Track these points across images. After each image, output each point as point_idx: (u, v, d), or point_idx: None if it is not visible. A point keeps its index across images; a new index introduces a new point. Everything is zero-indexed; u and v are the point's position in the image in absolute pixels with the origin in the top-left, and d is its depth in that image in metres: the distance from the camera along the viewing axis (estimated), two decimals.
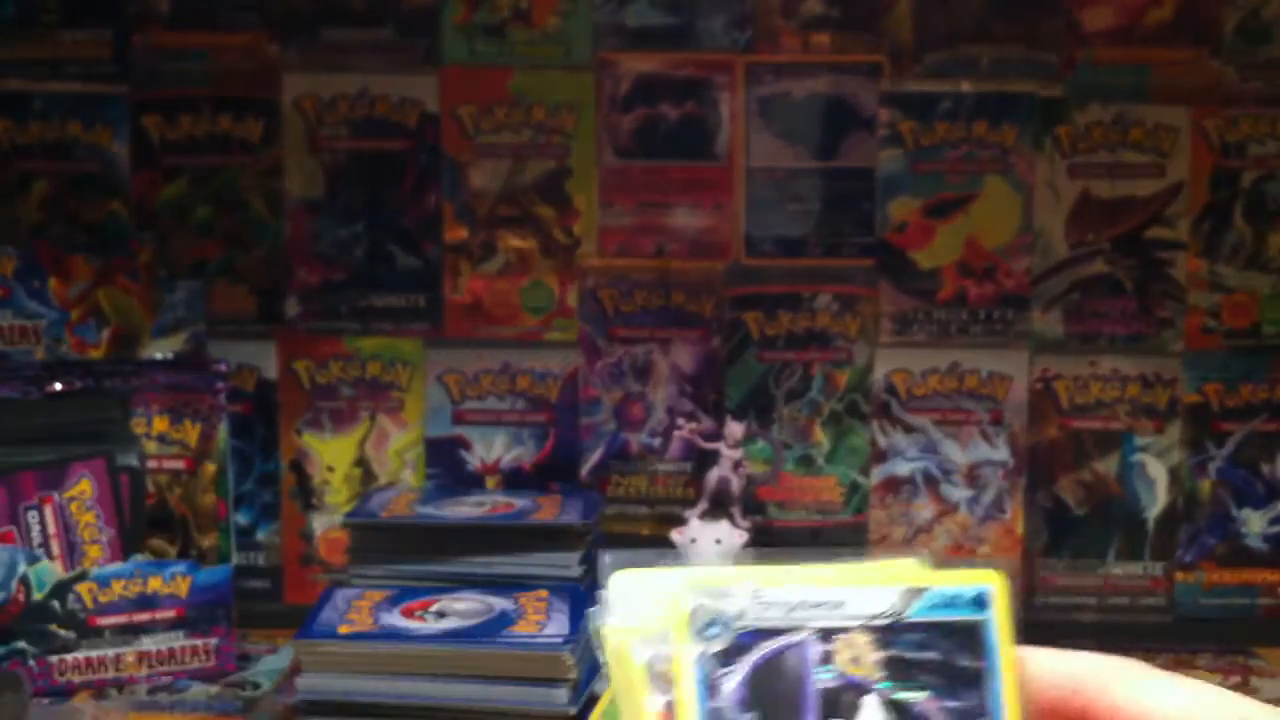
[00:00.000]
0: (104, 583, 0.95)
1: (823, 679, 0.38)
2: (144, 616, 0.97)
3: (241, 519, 1.13)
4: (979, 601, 0.40)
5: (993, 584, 0.40)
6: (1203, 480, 1.14)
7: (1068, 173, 1.12)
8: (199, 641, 0.98)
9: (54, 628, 0.95)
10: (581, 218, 1.13)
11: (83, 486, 0.96)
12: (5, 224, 1.11)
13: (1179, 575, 1.14)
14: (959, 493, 1.14)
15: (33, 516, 0.95)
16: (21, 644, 0.94)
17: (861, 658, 0.39)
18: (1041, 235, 1.13)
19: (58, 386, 0.97)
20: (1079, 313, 1.13)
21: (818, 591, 0.39)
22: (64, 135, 1.12)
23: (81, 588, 0.95)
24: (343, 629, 0.91)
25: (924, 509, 1.14)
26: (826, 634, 0.39)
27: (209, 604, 0.98)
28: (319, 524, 1.15)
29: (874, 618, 0.39)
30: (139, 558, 0.97)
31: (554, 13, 1.12)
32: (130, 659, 0.96)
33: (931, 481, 1.14)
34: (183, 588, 0.97)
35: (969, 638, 0.39)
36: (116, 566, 0.96)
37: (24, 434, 0.96)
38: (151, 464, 1.00)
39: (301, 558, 1.15)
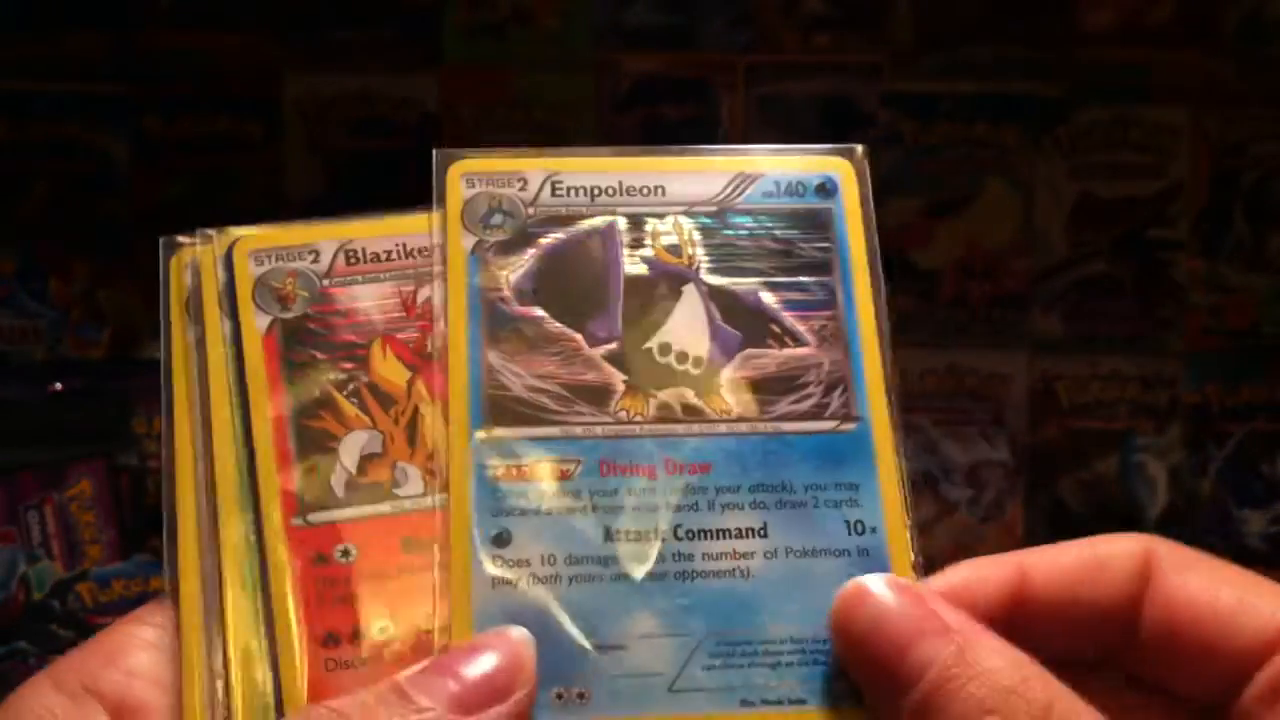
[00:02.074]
0: (104, 583, 0.95)
1: (631, 269, 0.33)
2: None
3: None
4: (824, 189, 0.35)
5: (839, 171, 0.35)
6: (1203, 480, 1.14)
7: (1068, 173, 1.12)
8: None
9: (54, 628, 0.95)
10: None
11: (83, 486, 0.96)
12: (5, 224, 1.11)
13: None
14: (959, 493, 1.14)
15: (33, 516, 0.95)
16: (21, 644, 0.94)
17: (681, 246, 0.34)
18: (1041, 235, 1.13)
19: (58, 386, 0.97)
20: (1079, 313, 1.13)
21: (630, 176, 0.34)
22: (64, 135, 1.12)
23: (81, 588, 0.95)
24: None
25: (924, 509, 1.14)
26: (638, 220, 0.34)
27: None
28: None
29: (697, 204, 0.34)
30: (139, 558, 0.97)
31: (554, 13, 1.12)
32: None
33: (931, 481, 1.14)
34: None
35: (812, 226, 0.35)
36: (116, 566, 0.96)
37: (24, 434, 0.96)
38: (151, 464, 1.00)
39: None
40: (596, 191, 0.33)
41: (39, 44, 1.11)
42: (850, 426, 0.33)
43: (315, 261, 0.34)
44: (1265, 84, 1.11)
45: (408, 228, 0.35)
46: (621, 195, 0.34)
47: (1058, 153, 1.12)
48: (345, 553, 0.32)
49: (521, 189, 0.33)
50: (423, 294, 0.34)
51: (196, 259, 0.33)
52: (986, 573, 0.33)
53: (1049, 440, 1.14)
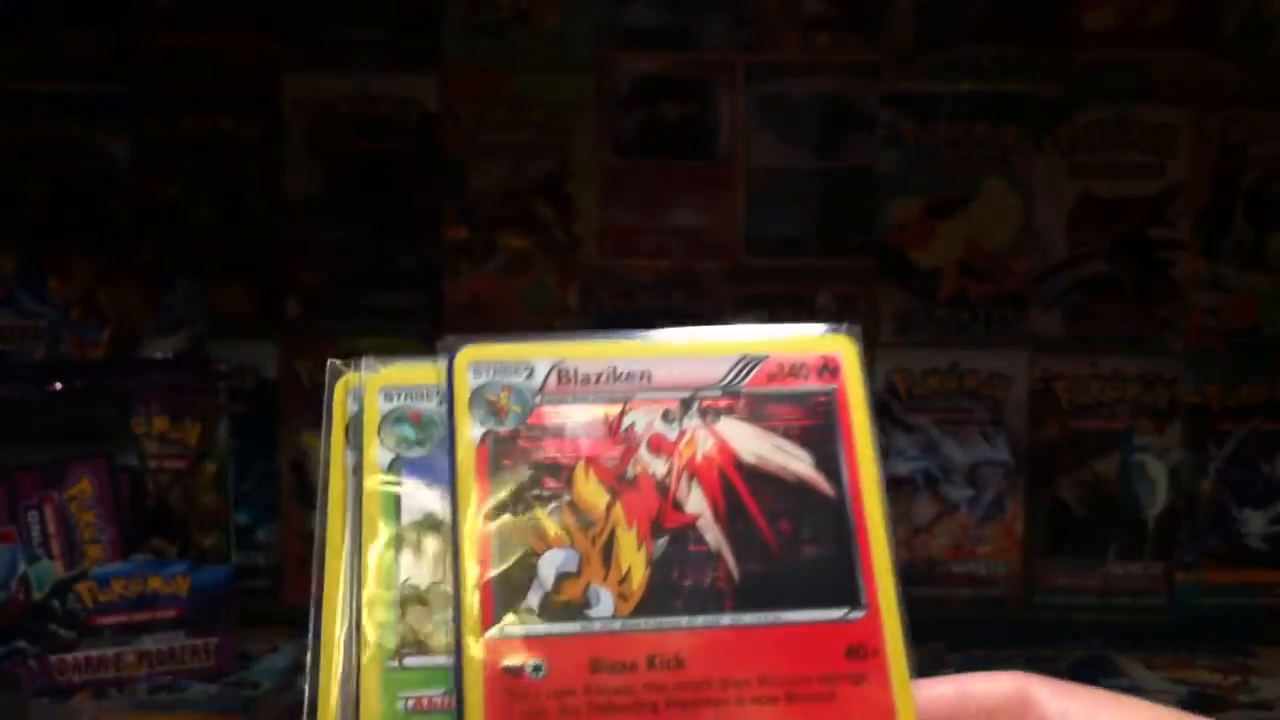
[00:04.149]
0: (104, 582, 0.95)
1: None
2: (144, 616, 0.97)
3: (241, 519, 1.13)
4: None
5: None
6: (1203, 480, 1.14)
7: (1068, 173, 1.12)
8: (199, 641, 0.98)
9: (54, 627, 0.95)
10: (582, 217, 1.13)
11: (83, 486, 0.96)
12: (5, 224, 1.11)
13: (1179, 575, 1.14)
14: (959, 493, 1.14)
15: (33, 516, 0.95)
16: (21, 644, 0.94)
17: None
18: (1041, 235, 1.13)
19: (58, 386, 0.97)
20: (1079, 313, 1.13)
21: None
22: (64, 135, 1.12)
23: (81, 587, 0.95)
24: None
25: (924, 509, 1.14)
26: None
27: (209, 604, 0.98)
28: None
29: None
30: (139, 557, 0.97)
31: (554, 13, 1.12)
32: (130, 659, 0.96)
33: (931, 481, 1.14)
34: (183, 587, 0.97)
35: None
36: (116, 566, 0.96)
37: (24, 434, 0.96)
38: (151, 464, 1.00)
39: (302, 558, 1.15)
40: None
41: (39, 44, 1.11)
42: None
43: (530, 378, 0.35)
44: (1265, 84, 1.11)
45: (618, 352, 0.36)
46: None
47: (1058, 153, 1.12)
48: (537, 668, 0.32)
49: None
50: (627, 419, 0.35)
51: (361, 386, 0.34)
52: None
53: (1049, 440, 1.14)
